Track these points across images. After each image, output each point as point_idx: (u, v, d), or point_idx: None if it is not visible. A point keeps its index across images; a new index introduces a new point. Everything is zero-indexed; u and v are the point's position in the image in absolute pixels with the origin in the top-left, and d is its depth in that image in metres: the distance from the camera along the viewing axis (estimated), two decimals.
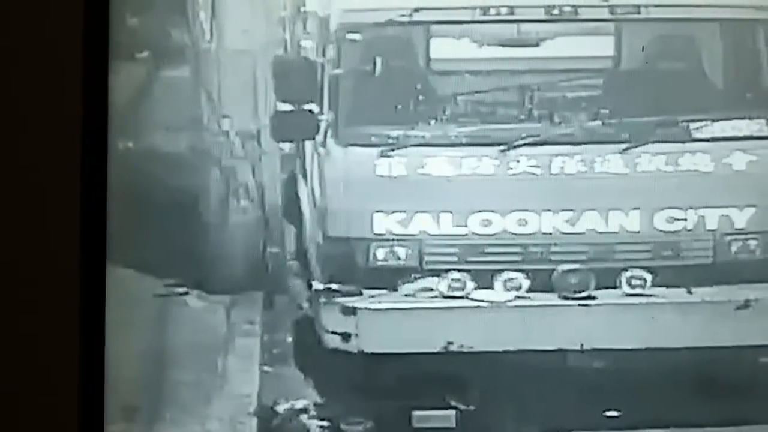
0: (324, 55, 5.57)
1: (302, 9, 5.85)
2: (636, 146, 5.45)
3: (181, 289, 5.41)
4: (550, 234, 5.45)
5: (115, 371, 4.52)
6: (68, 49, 4.36)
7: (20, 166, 4.38)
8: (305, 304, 5.67)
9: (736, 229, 5.46)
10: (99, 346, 4.41)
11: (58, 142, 4.39)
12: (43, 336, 4.28)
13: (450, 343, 5.38)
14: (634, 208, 5.45)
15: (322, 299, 5.48)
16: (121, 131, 4.96)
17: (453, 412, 5.32)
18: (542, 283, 5.44)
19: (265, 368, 5.61)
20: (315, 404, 5.44)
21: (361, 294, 5.46)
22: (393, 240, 5.46)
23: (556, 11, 5.43)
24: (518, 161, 5.44)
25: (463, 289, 5.48)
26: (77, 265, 4.27)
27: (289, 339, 5.71)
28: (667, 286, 5.48)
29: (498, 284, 5.49)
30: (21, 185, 4.40)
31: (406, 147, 5.44)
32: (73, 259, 4.26)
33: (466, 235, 5.45)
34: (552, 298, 5.44)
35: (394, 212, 5.45)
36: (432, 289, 5.49)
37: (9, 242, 4.28)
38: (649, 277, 5.50)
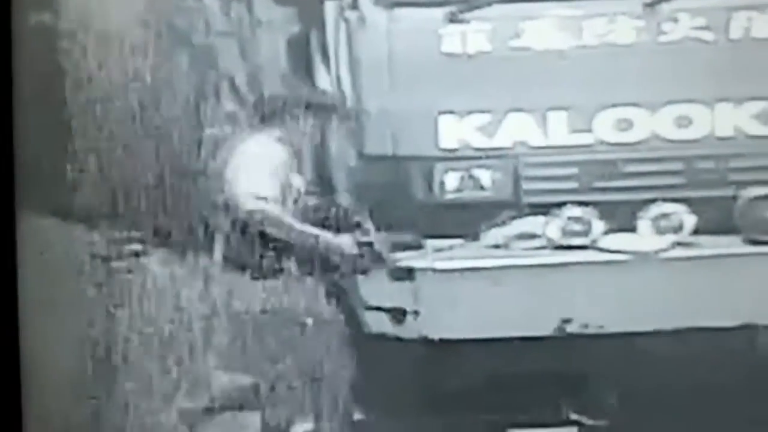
0: None
1: None
2: None
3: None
4: (731, 139, 4.50)
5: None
6: None
7: None
8: None
9: None
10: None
11: None
12: None
13: (566, 321, 4.48)
14: None
15: None
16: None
17: (574, 429, 4.51)
18: (717, 219, 4.53)
19: None
20: (352, 423, 4.48)
21: (421, 246, 4.58)
22: (471, 158, 4.61)
23: None
24: (675, 21, 4.51)
25: (586, 234, 4.56)
26: None
27: None
28: None
29: (644, 224, 4.55)
30: None
31: (488, 5, 4.56)
32: None
33: (590, 145, 4.55)
34: (734, 243, 4.51)
35: (471, 113, 4.56)
36: (536, 236, 4.58)
37: None
38: None
